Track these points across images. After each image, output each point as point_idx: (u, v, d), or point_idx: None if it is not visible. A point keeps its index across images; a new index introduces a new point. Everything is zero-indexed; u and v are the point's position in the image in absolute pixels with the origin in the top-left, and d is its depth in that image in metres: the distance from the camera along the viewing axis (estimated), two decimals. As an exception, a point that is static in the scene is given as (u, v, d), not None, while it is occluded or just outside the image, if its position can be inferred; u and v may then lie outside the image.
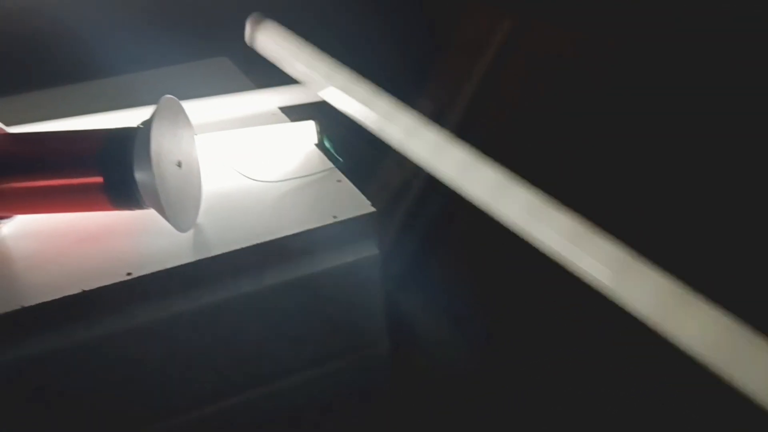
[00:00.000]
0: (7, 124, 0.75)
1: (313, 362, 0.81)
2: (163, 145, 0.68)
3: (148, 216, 0.73)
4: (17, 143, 0.71)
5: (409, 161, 0.73)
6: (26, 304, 0.63)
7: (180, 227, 0.71)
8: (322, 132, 0.88)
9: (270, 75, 1.05)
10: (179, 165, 0.73)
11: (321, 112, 0.96)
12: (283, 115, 0.98)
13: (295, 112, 0.99)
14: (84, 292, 0.65)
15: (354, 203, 0.76)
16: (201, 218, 0.75)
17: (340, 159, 0.85)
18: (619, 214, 0.76)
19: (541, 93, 1.42)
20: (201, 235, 0.73)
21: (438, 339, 1.31)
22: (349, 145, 0.91)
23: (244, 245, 0.70)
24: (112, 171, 0.67)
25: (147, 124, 0.67)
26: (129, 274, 0.67)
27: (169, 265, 0.68)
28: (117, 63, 1.23)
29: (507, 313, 1.22)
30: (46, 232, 0.75)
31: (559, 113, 1.28)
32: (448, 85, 1.54)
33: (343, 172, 0.83)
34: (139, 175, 0.67)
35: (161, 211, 0.69)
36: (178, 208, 0.71)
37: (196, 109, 0.93)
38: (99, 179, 0.67)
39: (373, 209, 0.75)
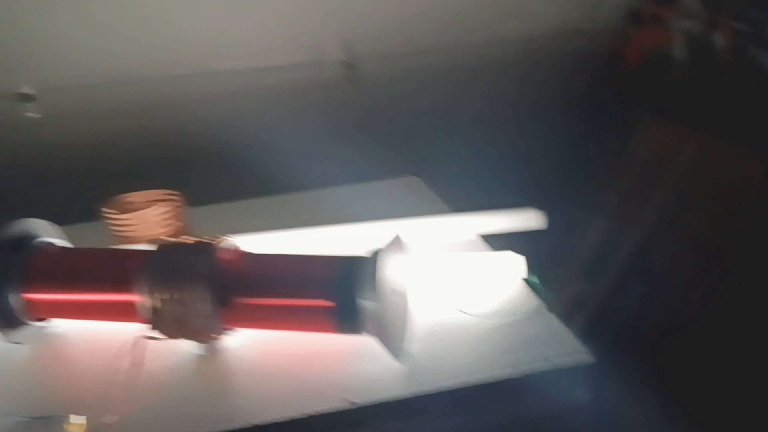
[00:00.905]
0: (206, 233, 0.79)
1: None
2: (388, 275, 0.71)
3: (361, 340, 0.74)
4: (253, 262, 0.76)
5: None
6: (255, 422, 0.66)
7: (396, 356, 0.71)
8: (528, 265, 0.87)
9: (466, 198, 1.07)
10: (398, 294, 0.74)
11: (521, 242, 0.96)
12: (481, 242, 0.98)
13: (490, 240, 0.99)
14: (306, 415, 0.66)
15: (567, 347, 0.74)
16: (410, 346, 0.76)
17: (548, 295, 0.83)
18: None
19: (724, 220, 1.34)
20: (413, 367, 0.73)
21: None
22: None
23: (457, 382, 0.69)
24: (343, 298, 0.70)
25: (376, 255, 0.70)
26: (349, 401, 0.67)
27: (386, 395, 0.68)
28: (306, 178, 1.29)
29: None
30: (268, 348, 0.78)
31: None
32: (627, 205, 1.50)
33: (550, 310, 0.81)
34: (367, 304, 0.69)
35: (382, 338, 0.70)
36: (395, 337, 0.72)
37: (389, 230, 0.95)
38: (330, 304, 0.70)
39: (590, 357, 0.72)
